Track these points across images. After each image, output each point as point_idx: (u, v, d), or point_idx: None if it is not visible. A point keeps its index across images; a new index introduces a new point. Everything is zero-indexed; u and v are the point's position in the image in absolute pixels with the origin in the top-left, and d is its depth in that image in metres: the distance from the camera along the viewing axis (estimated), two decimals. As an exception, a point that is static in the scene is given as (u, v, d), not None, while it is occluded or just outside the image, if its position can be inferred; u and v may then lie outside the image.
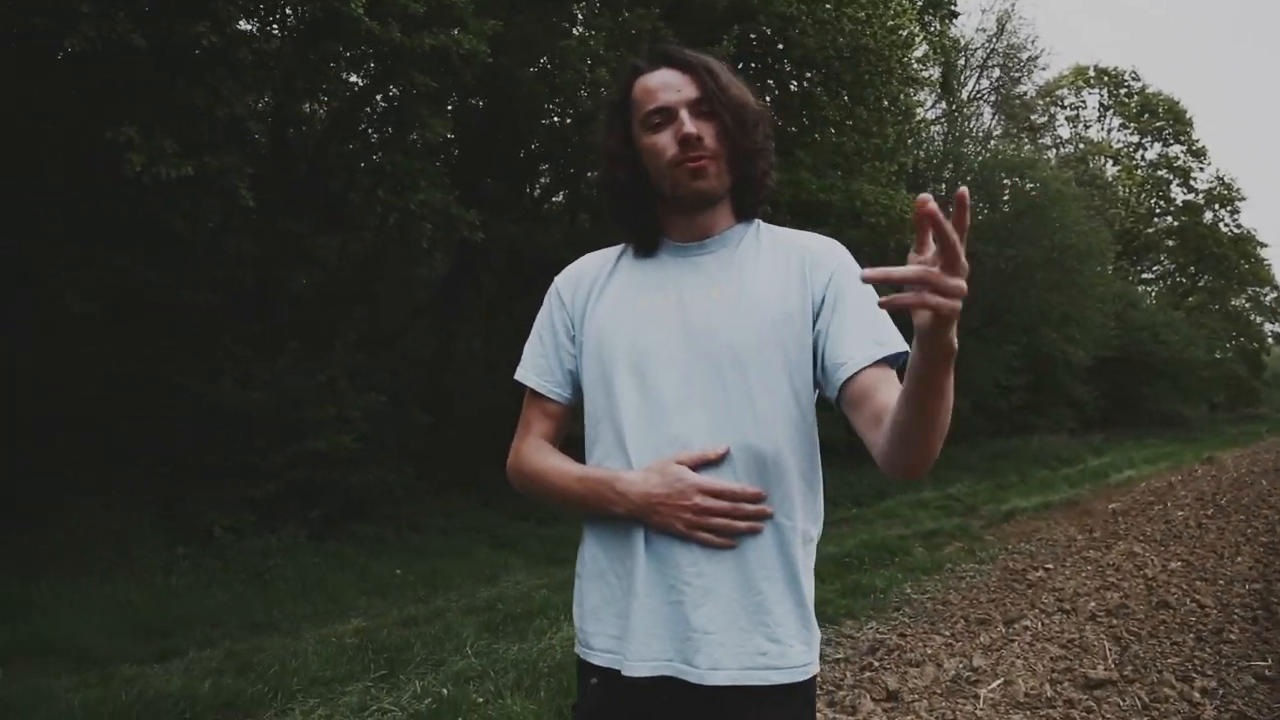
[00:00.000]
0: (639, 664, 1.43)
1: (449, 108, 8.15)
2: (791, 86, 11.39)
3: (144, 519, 7.33)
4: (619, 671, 1.45)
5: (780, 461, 1.44)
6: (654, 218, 1.56)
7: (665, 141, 1.46)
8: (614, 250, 1.63)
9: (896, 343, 1.41)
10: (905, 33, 10.85)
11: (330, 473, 8.13)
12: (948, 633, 5.73)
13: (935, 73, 15.54)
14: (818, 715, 2.31)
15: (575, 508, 1.53)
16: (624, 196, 1.55)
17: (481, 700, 4.14)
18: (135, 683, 4.35)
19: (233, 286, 9.02)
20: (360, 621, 5.99)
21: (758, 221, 1.59)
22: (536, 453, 1.59)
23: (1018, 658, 5.11)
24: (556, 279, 1.65)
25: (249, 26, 6.82)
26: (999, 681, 4.68)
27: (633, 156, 1.52)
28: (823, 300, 1.47)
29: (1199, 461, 18.63)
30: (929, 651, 5.30)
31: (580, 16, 9.87)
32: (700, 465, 1.42)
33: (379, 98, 8.87)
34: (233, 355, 8.02)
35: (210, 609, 6.00)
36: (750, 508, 1.40)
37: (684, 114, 1.45)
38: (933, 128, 20.04)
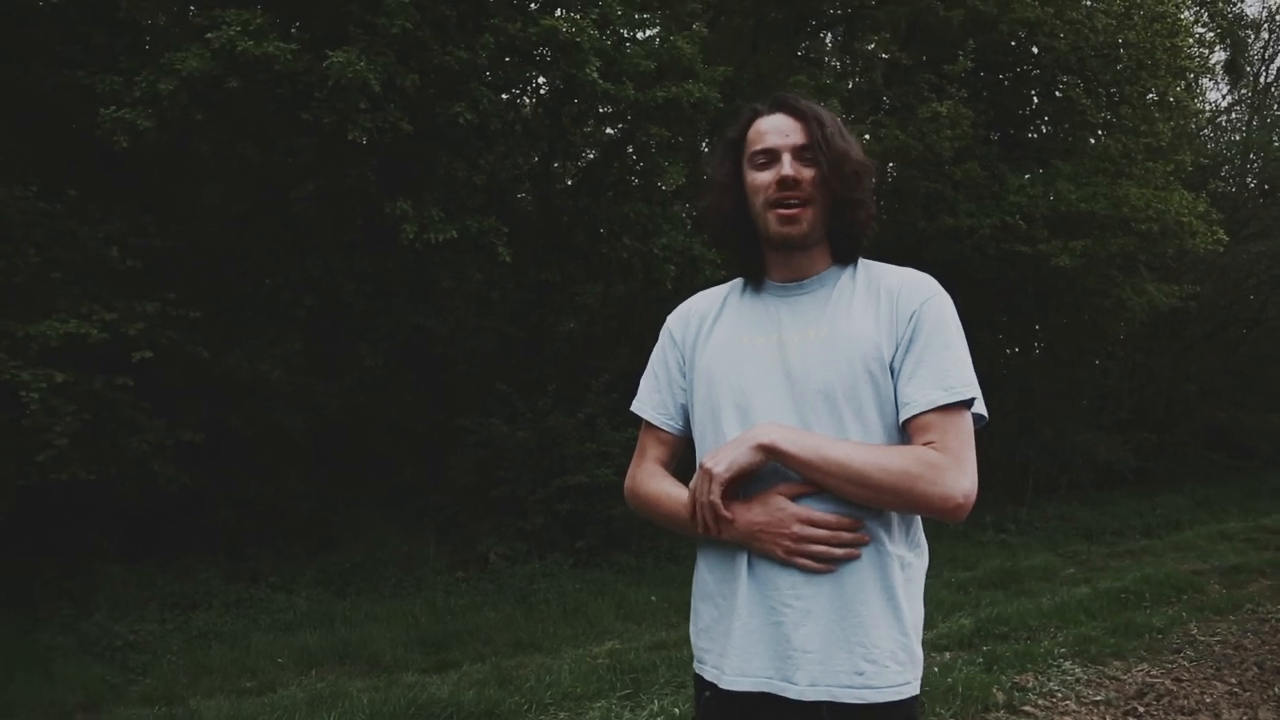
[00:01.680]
0: (739, 679, 1.55)
1: (684, 161, 8.53)
2: (1036, 93, 10.80)
3: (429, 545, 8.23)
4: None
5: None
6: (759, 253, 1.67)
7: (765, 180, 1.58)
8: (724, 288, 1.76)
9: (964, 390, 1.51)
10: (1175, 19, 9.97)
11: (592, 505, 8.67)
12: (1234, 680, 5.14)
13: (1218, 56, 14.03)
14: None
15: (685, 531, 1.63)
16: (729, 227, 1.66)
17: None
18: (413, 688, 4.94)
19: (502, 334, 9.91)
20: (614, 644, 6.37)
21: (860, 260, 1.67)
22: (651, 478, 1.72)
23: (1315, 712, 4.53)
24: (669, 317, 1.78)
25: (500, 98, 7.56)
26: (1286, 734, 4.20)
27: (740, 190, 1.64)
28: (903, 336, 1.55)
29: None
30: (1207, 700, 4.81)
31: (812, 54, 10.00)
32: (800, 495, 1.51)
33: (628, 152, 9.50)
34: (501, 397, 8.80)
35: (482, 627, 6.62)
36: (848, 535, 1.49)
37: (786, 157, 1.57)
38: (1231, 115, 18.06)
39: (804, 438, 1.49)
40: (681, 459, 1.76)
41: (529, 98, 7.51)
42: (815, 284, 1.65)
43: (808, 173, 1.58)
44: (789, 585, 1.52)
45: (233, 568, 7.35)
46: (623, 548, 8.93)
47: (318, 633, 6.29)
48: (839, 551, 1.49)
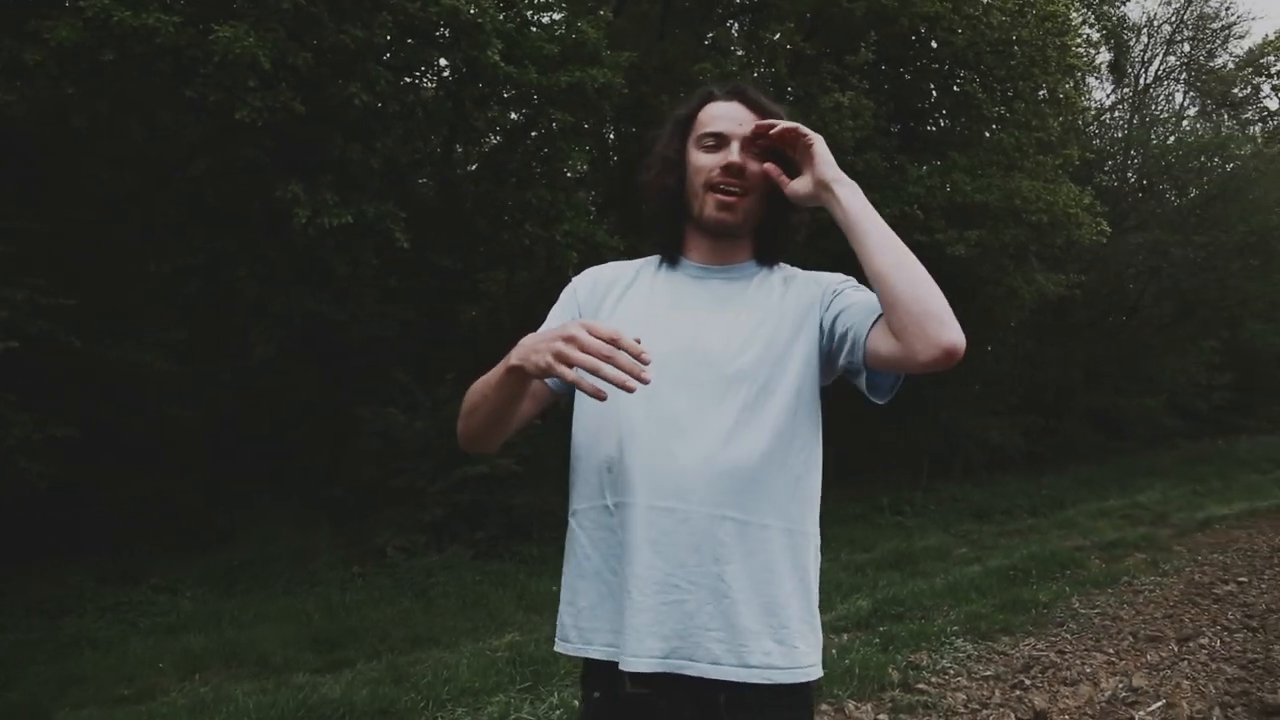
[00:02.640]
0: (639, 659, 1.45)
1: (589, 146, 8.43)
2: (935, 87, 11.06)
3: (323, 539, 7.98)
4: (617, 665, 1.48)
5: (783, 471, 1.50)
6: (681, 233, 1.64)
7: (710, 163, 1.56)
8: (636, 262, 1.71)
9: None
10: (1065, 19, 10.32)
11: (494, 495, 8.54)
12: (1111, 650, 5.41)
13: (1103, 55, 14.63)
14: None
15: (490, 406, 1.50)
16: (666, 203, 1.62)
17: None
18: (304, 690, 4.76)
19: (402, 322, 9.67)
20: (514, 636, 6.28)
21: (781, 264, 1.66)
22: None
23: (1186, 678, 4.77)
24: (575, 278, 1.72)
25: (397, 82, 7.33)
26: (1159, 704, 4.39)
27: (682, 168, 1.60)
28: (828, 304, 1.56)
29: None
30: (1087, 670, 5.04)
31: (718, 40, 10.00)
32: None
33: (531, 137, 9.34)
34: (401, 387, 8.58)
35: (378, 623, 6.45)
36: (626, 359, 1.28)
37: (735, 144, 1.55)
38: (1114, 113, 18.84)
39: (859, 198, 1.49)
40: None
41: (429, 80, 7.28)
42: (738, 273, 1.62)
43: (754, 166, 1.55)
44: (696, 562, 1.46)
45: (110, 569, 6.96)
46: (524, 538, 8.83)
47: (203, 635, 6.01)
48: (608, 369, 1.27)
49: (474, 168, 9.16)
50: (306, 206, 6.01)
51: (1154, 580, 7.32)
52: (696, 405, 1.49)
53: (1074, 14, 10.48)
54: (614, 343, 1.29)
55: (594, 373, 1.28)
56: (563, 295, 1.70)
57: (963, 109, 10.88)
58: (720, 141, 1.56)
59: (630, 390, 1.27)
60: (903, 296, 1.40)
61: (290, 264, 7.07)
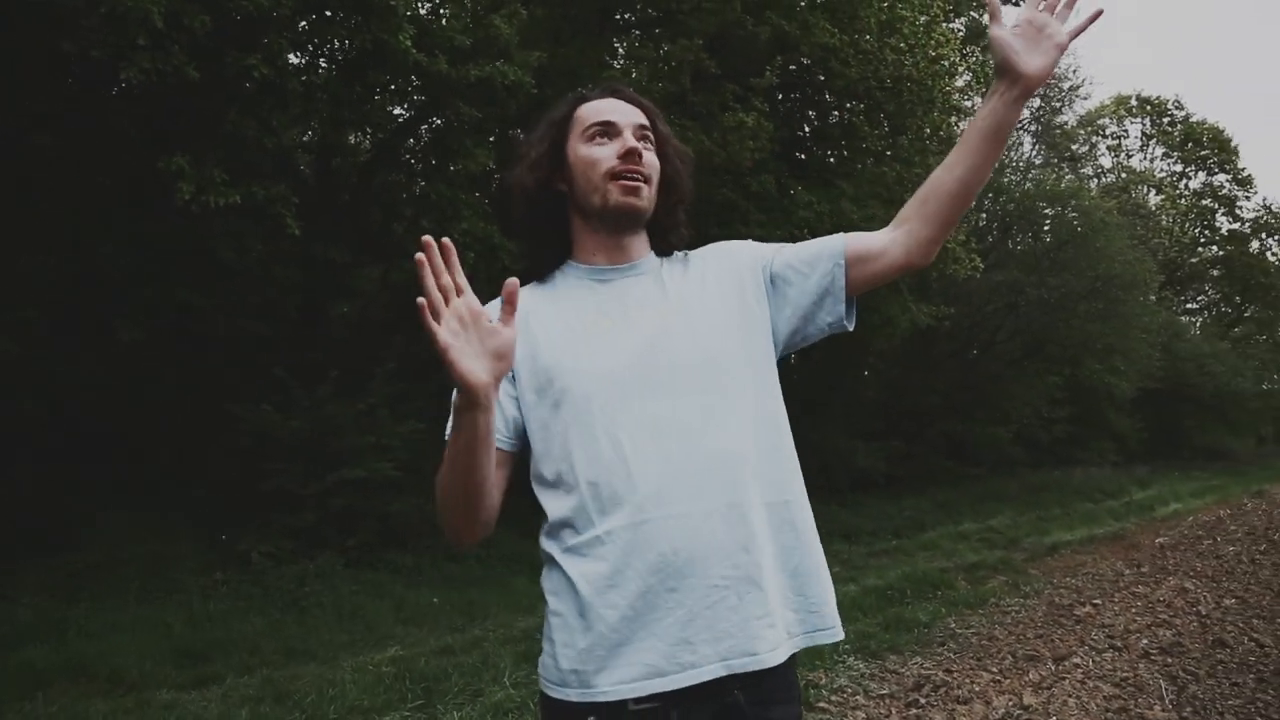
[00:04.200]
0: (697, 670, 1.37)
1: (491, 138, 8.19)
2: (832, 116, 11.38)
3: (182, 542, 7.39)
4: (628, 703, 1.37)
5: (765, 445, 1.48)
6: (567, 236, 1.57)
7: (604, 154, 1.49)
8: (533, 285, 1.59)
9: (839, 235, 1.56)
10: (948, 63, 10.80)
11: (369, 501, 8.15)
12: (995, 669, 5.59)
13: (977, 102, 15.44)
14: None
15: (457, 469, 1.37)
16: (535, 205, 1.54)
17: (521, 733, 4.08)
18: (172, 709, 4.35)
19: (277, 314, 9.12)
20: (397, 650, 5.97)
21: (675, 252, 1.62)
22: None
23: (1070, 696, 4.96)
24: None
25: (298, 60, 6.93)
26: (1051, 721, 4.55)
27: (555, 168, 1.54)
28: (767, 261, 1.57)
29: (1248, 495, 18.15)
30: (977, 689, 5.17)
31: (621, 50, 9.95)
32: None
33: (424, 128, 8.99)
34: (275, 383, 8.08)
35: (248, 635, 6.00)
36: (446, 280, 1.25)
37: (629, 132, 1.50)
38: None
39: None
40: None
41: (329, 60, 6.90)
42: (646, 265, 1.57)
43: (649, 154, 1.52)
44: (724, 555, 1.40)
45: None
46: (400, 546, 8.46)
47: (45, 647, 5.41)
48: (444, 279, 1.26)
49: (365, 157, 8.74)
50: (191, 182, 5.55)
51: (1018, 602, 7.65)
52: (667, 405, 1.42)
53: (956, 57, 10.95)
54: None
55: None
56: None
57: (850, 139, 11.22)
58: (611, 130, 1.50)
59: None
60: (974, 190, 1.52)
61: (165, 245, 6.52)
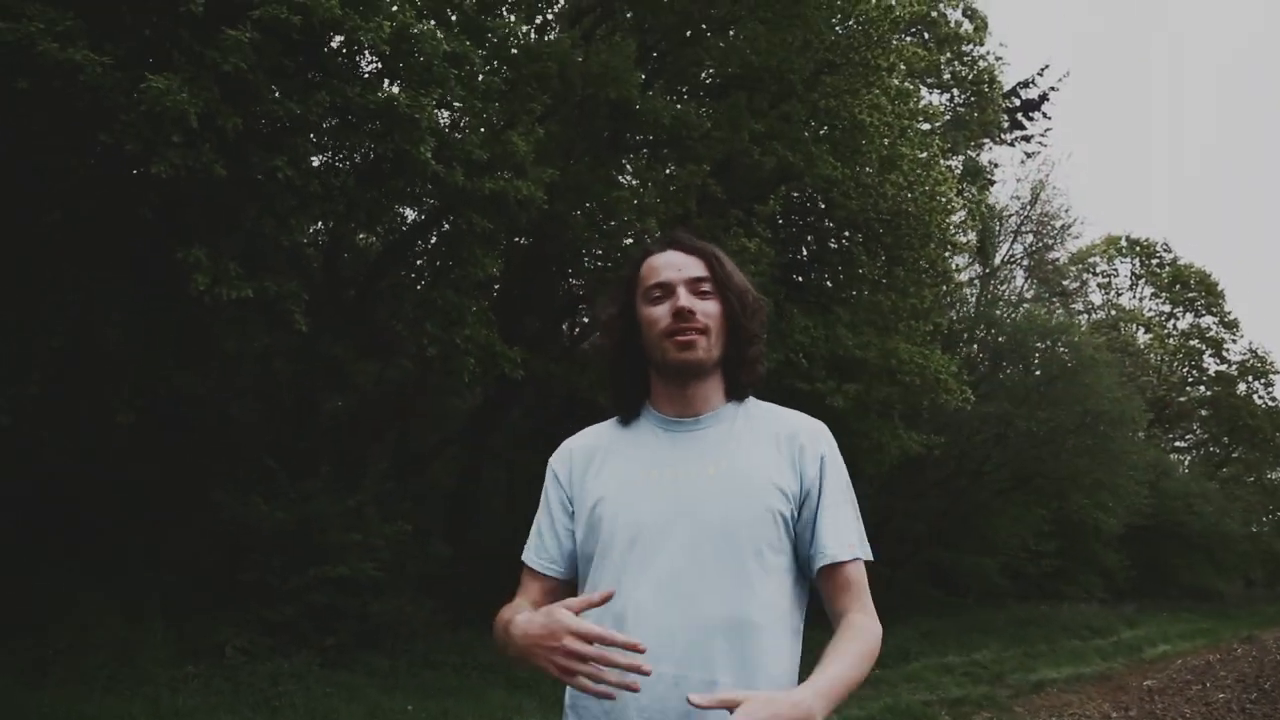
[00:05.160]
0: None
1: (500, 248, 8.41)
2: (831, 244, 11.70)
3: (155, 630, 7.23)
4: None
5: (771, 627, 1.54)
6: (643, 389, 1.68)
7: (660, 313, 1.60)
8: (605, 425, 1.73)
9: (848, 550, 1.60)
10: (945, 199, 11.19)
11: (349, 600, 8.03)
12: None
13: (972, 238, 15.92)
14: None
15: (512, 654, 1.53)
16: (616, 361, 1.68)
17: None
18: (136, 812, 4.21)
19: (270, 404, 9.17)
20: (368, 760, 5.82)
21: (749, 399, 1.71)
22: (505, 610, 1.61)
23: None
24: (552, 459, 1.73)
25: (320, 160, 7.17)
26: None
27: (627, 328, 1.66)
28: (811, 487, 1.61)
29: (1238, 640, 17.96)
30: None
31: (630, 168, 10.30)
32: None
33: (434, 233, 9.22)
34: (263, 472, 8.07)
35: (216, 735, 5.84)
36: (620, 658, 1.36)
37: (681, 290, 1.60)
38: (967, 289, 20.34)
39: (832, 691, 1.43)
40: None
41: (348, 164, 7.14)
42: (711, 420, 1.65)
43: (705, 305, 1.61)
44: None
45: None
46: (377, 649, 8.30)
47: (8, 736, 5.28)
48: (610, 675, 1.36)
49: (376, 256, 8.94)
50: (208, 274, 5.69)
51: (1003, 742, 7.52)
52: (686, 567, 1.52)
53: (952, 194, 11.34)
54: (601, 640, 1.37)
55: (596, 679, 1.36)
56: (546, 479, 1.72)
57: (848, 267, 11.52)
58: (666, 291, 1.61)
59: (634, 690, 1.36)
60: None
61: (171, 331, 6.62)
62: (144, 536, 8.24)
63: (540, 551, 1.68)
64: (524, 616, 1.47)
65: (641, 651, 1.35)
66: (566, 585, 1.67)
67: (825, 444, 1.65)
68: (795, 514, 1.58)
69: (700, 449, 1.60)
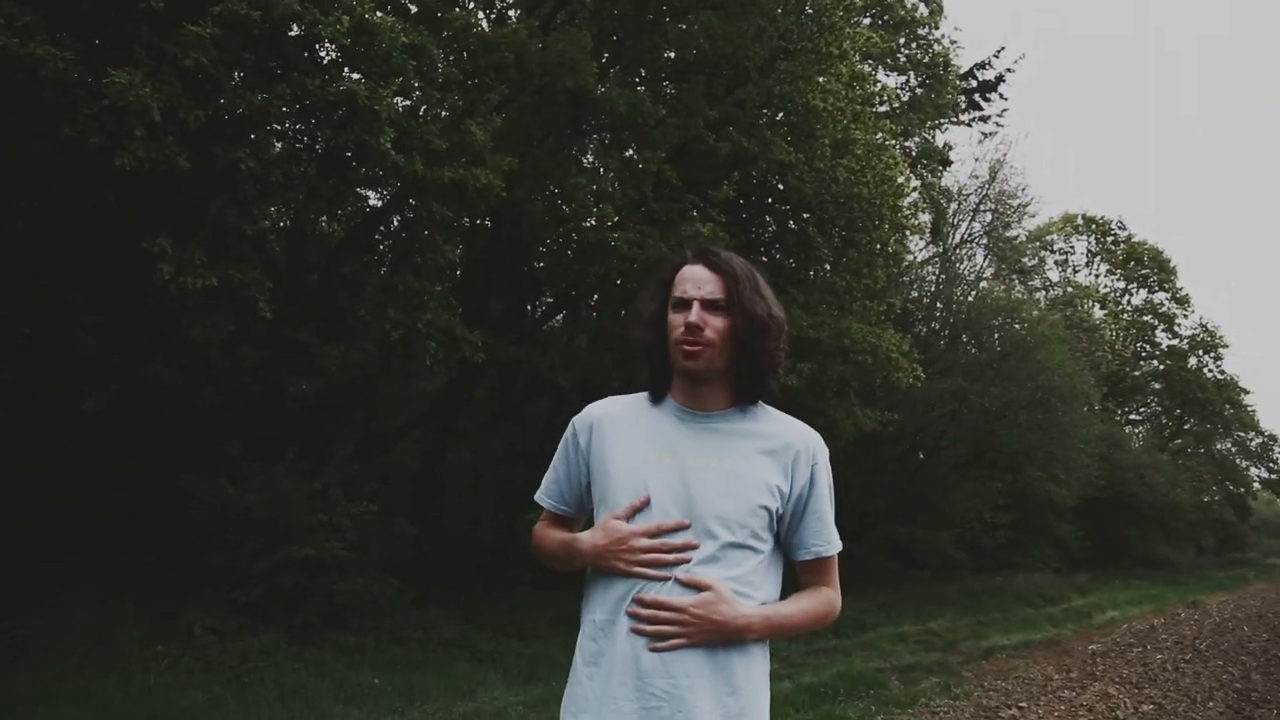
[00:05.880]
0: None
1: (458, 235, 8.56)
2: (790, 225, 11.96)
3: (127, 612, 7.39)
4: None
5: (751, 597, 1.81)
6: (668, 378, 1.94)
7: (678, 322, 1.86)
8: (631, 398, 2.00)
9: (831, 544, 1.94)
10: (898, 182, 11.48)
11: (316, 579, 8.21)
12: (920, 769, 5.80)
13: (927, 219, 16.26)
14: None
15: (562, 565, 1.96)
16: (649, 352, 1.94)
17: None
18: (115, 780, 4.42)
19: (238, 391, 9.29)
20: (337, 730, 6.04)
21: (760, 404, 1.96)
22: (541, 528, 2.06)
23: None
24: (575, 419, 2.02)
25: (281, 147, 7.28)
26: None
27: (661, 324, 1.92)
28: (800, 493, 1.90)
29: (1183, 605, 18.62)
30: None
31: (589, 154, 10.47)
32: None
33: (395, 218, 9.35)
34: (232, 458, 8.21)
35: (187, 709, 6.04)
36: (675, 540, 1.78)
37: (695, 306, 1.85)
38: (926, 268, 20.74)
39: (773, 619, 1.84)
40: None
41: (309, 153, 7.26)
42: (720, 418, 1.91)
43: (716, 321, 1.85)
44: (666, 675, 1.74)
45: None
46: (344, 626, 8.50)
47: (-18, 715, 5.45)
48: (668, 557, 1.77)
49: (338, 244, 9.06)
50: (172, 263, 5.83)
51: (947, 703, 7.89)
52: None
53: (904, 178, 11.63)
54: (658, 530, 1.79)
55: (658, 564, 1.77)
56: (565, 435, 2.02)
57: (803, 249, 11.79)
58: (684, 305, 1.86)
59: (695, 547, 1.79)
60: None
61: (140, 320, 6.74)
62: (115, 521, 8.38)
63: (555, 497, 2.02)
64: (587, 535, 1.86)
65: (687, 526, 1.78)
66: (575, 519, 2.02)
67: (818, 454, 1.93)
68: (781, 511, 1.86)
69: (708, 441, 1.87)
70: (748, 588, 1.80)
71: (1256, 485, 43.40)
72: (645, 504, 1.80)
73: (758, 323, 1.86)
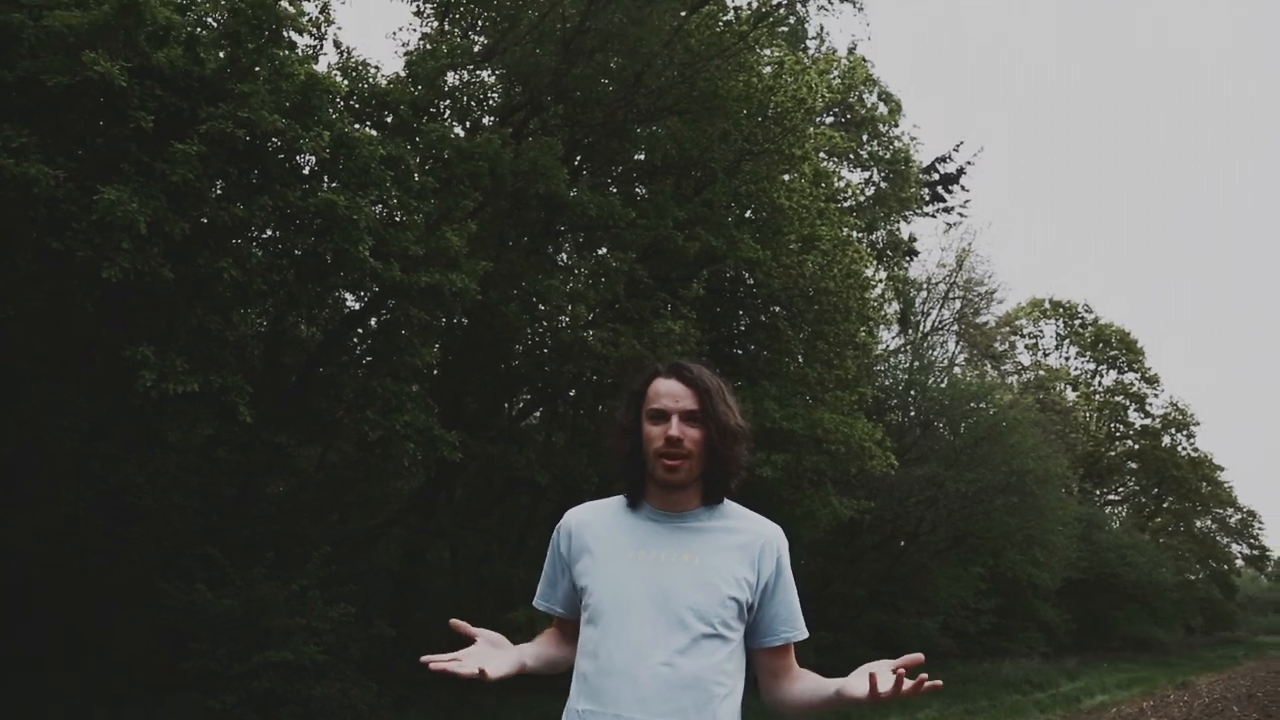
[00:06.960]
0: None
1: (435, 336, 8.75)
2: (762, 319, 12.27)
3: (92, 717, 7.26)
4: None
5: (724, 684, 1.94)
6: (642, 483, 2.09)
7: (657, 434, 2.00)
8: (611, 502, 2.15)
9: (803, 630, 2.09)
10: (864, 275, 11.85)
11: (293, 684, 8.10)
12: None
13: (894, 309, 16.67)
14: None
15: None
16: (625, 460, 2.08)
17: None
18: None
19: (214, 494, 9.30)
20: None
21: (725, 501, 2.11)
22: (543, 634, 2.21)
23: None
24: (560, 525, 2.16)
25: (261, 255, 7.50)
26: None
27: (637, 434, 2.06)
28: (766, 583, 2.04)
29: (1173, 686, 18.48)
30: None
31: (564, 255, 10.78)
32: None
33: (372, 320, 9.55)
34: (208, 561, 8.18)
35: (162, 823, 5.91)
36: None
37: (675, 419, 1.99)
38: (897, 358, 21.12)
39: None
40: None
41: (289, 259, 7.48)
42: (691, 518, 2.06)
43: (693, 433, 2.00)
44: None
45: None
46: (320, 733, 8.35)
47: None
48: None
49: (316, 347, 9.22)
50: (154, 371, 5.97)
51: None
52: (657, 634, 1.93)
53: (870, 271, 12.02)
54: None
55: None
56: (552, 541, 2.16)
57: (774, 342, 12.07)
58: (663, 416, 2.00)
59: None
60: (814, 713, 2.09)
61: (118, 423, 6.83)
62: (89, 626, 8.28)
63: (546, 597, 2.15)
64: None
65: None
66: (570, 620, 2.11)
67: (780, 546, 2.06)
68: (751, 601, 1.98)
69: (679, 540, 2.00)
70: (723, 675, 1.92)
71: (1239, 562, 43.47)
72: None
73: (729, 433, 2.00)
